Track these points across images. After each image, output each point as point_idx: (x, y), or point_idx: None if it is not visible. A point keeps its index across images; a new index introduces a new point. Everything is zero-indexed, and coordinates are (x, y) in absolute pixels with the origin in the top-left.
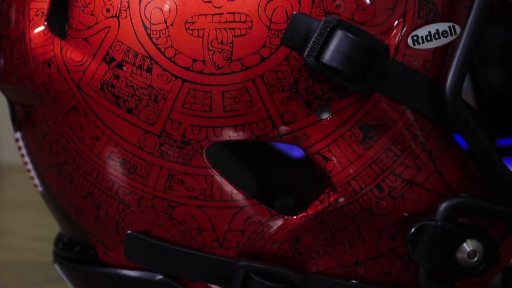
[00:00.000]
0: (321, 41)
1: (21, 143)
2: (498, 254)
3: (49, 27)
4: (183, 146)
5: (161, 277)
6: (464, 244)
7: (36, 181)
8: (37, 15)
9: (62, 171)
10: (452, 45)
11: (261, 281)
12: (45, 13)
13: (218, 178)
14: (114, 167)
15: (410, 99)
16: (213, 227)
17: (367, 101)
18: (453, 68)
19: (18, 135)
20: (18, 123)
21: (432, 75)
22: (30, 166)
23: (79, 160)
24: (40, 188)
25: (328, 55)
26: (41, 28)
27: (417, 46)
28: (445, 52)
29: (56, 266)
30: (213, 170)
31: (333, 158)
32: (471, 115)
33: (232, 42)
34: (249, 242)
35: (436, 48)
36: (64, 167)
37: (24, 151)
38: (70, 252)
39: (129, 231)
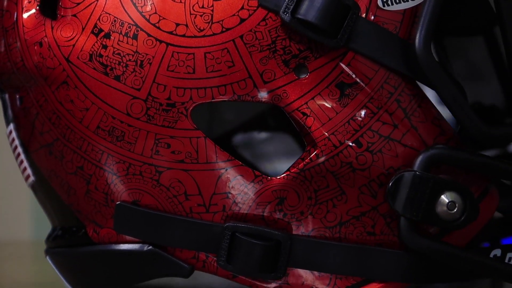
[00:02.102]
0: None
1: (14, 134)
2: (477, 206)
3: (41, 11)
4: (168, 109)
5: (150, 247)
6: (443, 196)
7: (28, 171)
8: (29, 2)
9: (53, 149)
10: (420, 7)
11: (248, 239)
12: None
13: (203, 139)
14: (103, 137)
15: (382, 56)
16: (200, 191)
17: (342, 60)
18: (421, 25)
19: (10, 127)
20: (11, 112)
21: (403, 34)
22: (22, 156)
23: (69, 134)
24: (32, 179)
25: (302, 10)
26: (33, 11)
27: (387, 8)
28: (413, 13)
29: (48, 259)
30: (198, 132)
31: (312, 114)
32: (441, 68)
33: (212, 5)
34: (234, 205)
35: (405, 10)
36: (55, 144)
37: (16, 142)
38: (61, 239)
39: (118, 202)
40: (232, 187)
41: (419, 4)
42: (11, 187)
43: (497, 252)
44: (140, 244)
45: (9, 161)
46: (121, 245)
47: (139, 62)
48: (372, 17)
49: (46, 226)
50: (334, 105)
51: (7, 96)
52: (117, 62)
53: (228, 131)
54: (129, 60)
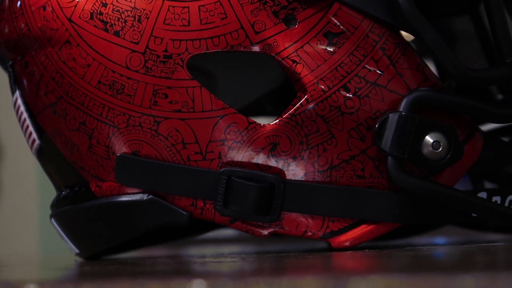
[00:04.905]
0: None
1: (19, 101)
2: (462, 145)
3: None
4: (165, 61)
5: (150, 196)
6: (428, 137)
7: (34, 135)
8: None
9: (57, 108)
10: None
11: (243, 181)
12: None
13: (198, 89)
14: (104, 91)
15: (367, 6)
16: (196, 139)
17: (329, 10)
18: None
19: (16, 94)
20: (16, 80)
21: None
22: (28, 121)
23: (72, 91)
24: (37, 142)
25: None
26: None
27: None
28: None
29: (52, 222)
30: (194, 81)
31: (301, 61)
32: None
33: None
34: (230, 152)
35: None
36: (59, 103)
37: (22, 108)
38: (65, 199)
39: (119, 154)
40: (227, 134)
41: None
42: (19, 202)
43: (483, 195)
44: (141, 194)
45: (20, 176)
46: (123, 196)
47: (137, 17)
48: None
49: (52, 239)
50: (322, 53)
51: (12, 64)
52: (116, 18)
53: None
54: (128, 16)
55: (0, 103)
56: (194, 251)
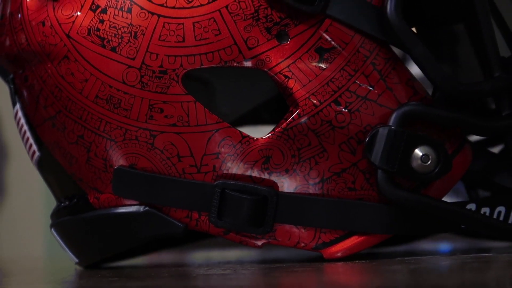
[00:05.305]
0: None
1: (20, 113)
2: (450, 159)
3: None
4: (161, 76)
5: (146, 208)
6: (417, 150)
7: (34, 147)
8: None
9: (56, 121)
10: None
11: (237, 194)
12: None
13: (193, 104)
14: (102, 105)
15: (357, 22)
16: (191, 152)
17: (320, 26)
18: None
19: (17, 106)
20: (16, 92)
21: (376, 2)
22: (28, 133)
23: (71, 105)
24: (37, 154)
25: None
26: None
27: None
28: None
29: (52, 231)
30: (189, 96)
31: (293, 77)
32: (411, 30)
33: None
34: (224, 165)
35: None
36: (58, 117)
37: (22, 120)
38: (65, 210)
39: (116, 167)
40: (221, 147)
41: None
42: (26, 206)
43: (472, 206)
44: (137, 206)
45: (25, 182)
46: (120, 208)
47: (133, 33)
48: None
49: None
50: (314, 68)
51: (12, 77)
52: (113, 34)
53: None
54: (124, 32)
55: (5, 105)
56: (198, 255)
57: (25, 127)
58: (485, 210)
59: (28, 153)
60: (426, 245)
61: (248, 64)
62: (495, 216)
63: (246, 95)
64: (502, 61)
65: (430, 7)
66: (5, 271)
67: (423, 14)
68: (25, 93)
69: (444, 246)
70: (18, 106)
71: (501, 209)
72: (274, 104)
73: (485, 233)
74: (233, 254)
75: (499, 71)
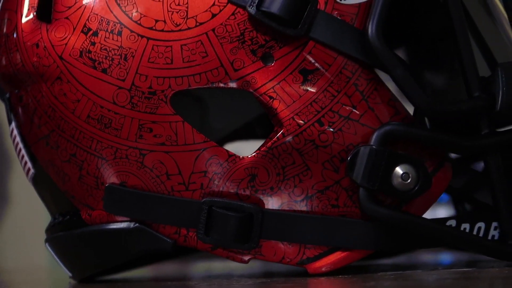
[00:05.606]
0: None
1: (15, 131)
2: (430, 176)
3: (37, 17)
4: (150, 97)
5: (136, 224)
6: (397, 168)
7: (29, 164)
8: (28, 9)
9: (50, 140)
10: (373, 1)
11: (223, 212)
12: (35, 6)
13: (181, 123)
14: (93, 125)
15: (340, 44)
16: (179, 170)
17: (304, 48)
18: (373, 15)
19: (12, 125)
20: (11, 111)
21: (358, 25)
22: (23, 151)
23: (63, 124)
24: (32, 171)
25: (266, 3)
26: (30, 17)
27: (343, 2)
28: (367, 7)
29: (47, 246)
30: (177, 116)
31: (278, 97)
32: (392, 52)
33: (187, 3)
34: (211, 183)
35: (360, 4)
36: (51, 136)
37: (18, 138)
38: (59, 225)
39: (107, 185)
40: (209, 166)
41: None
42: (30, 215)
43: (452, 222)
44: (128, 222)
45: (29, 191)
46: (111, 224)
47: (123, 55)
48: (330, 10)
49: None
50: (298, 89)
51: (8, 97)
52: (104, 56)
53: (217, 140)
54: (115, 54)
55: None
56: (200, 267)
57: (20, 145)
58: (465, 226)
59: (24, 169)
60: (413, 258)
61: (233, 85)
62: (475, 232)
63: (239, 110)
64: (482, 80)
65: (416, 25)
66: (9, 282)
67: (412, 31)
68: (20, 112)
69: (433, 257)
70: (13, 124)
71: (481, 225)
72: (267, 119)
73: (465, 249)
74: (223, 266)
75: (478, 91)
